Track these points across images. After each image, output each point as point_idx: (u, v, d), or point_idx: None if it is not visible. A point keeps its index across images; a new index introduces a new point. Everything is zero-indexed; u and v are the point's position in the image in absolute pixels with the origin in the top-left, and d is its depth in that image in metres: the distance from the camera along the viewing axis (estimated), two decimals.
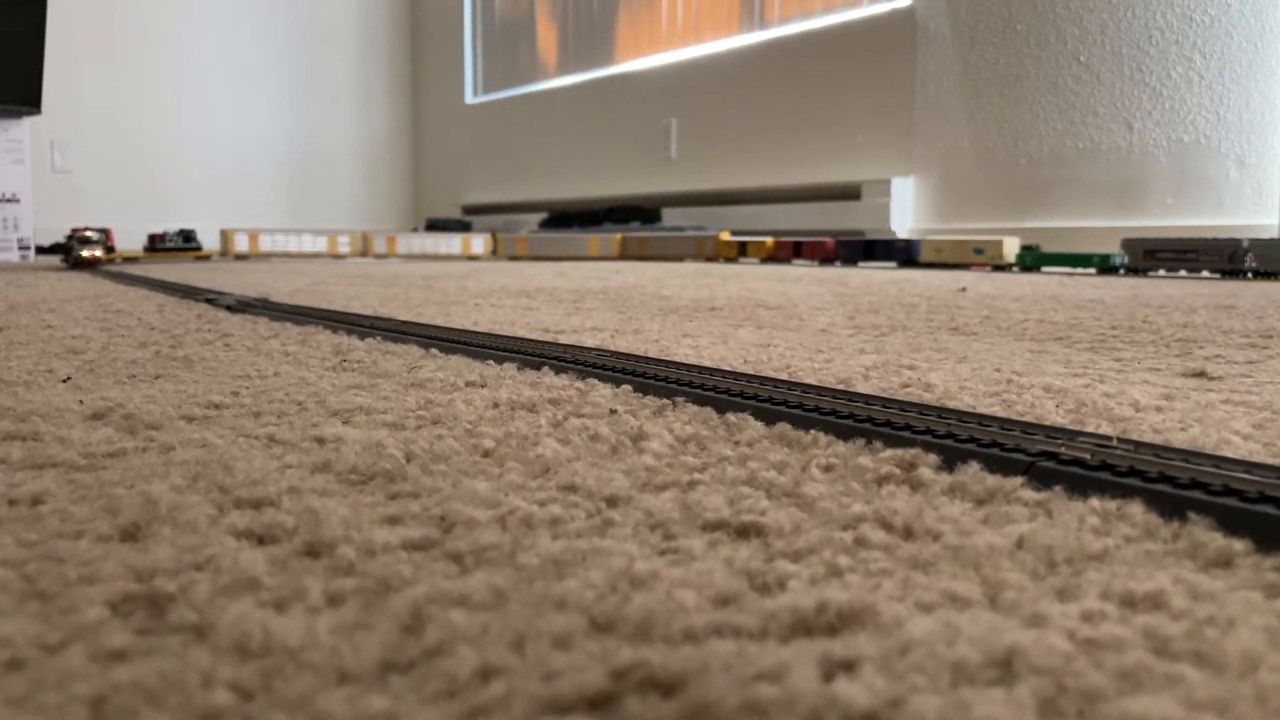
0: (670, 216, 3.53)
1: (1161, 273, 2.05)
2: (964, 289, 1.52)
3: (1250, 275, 1.93)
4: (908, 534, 0.28)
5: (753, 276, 1.96)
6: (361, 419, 0.46)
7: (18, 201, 3.04)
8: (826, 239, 2.65)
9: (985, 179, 2.72)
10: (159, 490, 0.32)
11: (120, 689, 0.19)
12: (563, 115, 4.15)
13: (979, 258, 2.28)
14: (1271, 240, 1.92)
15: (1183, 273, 2.03)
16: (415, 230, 4.49)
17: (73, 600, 0.23)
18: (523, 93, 4.38)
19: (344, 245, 3.25)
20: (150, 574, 0.25)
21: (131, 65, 4.07)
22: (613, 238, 3.22)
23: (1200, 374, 0.62)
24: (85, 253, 2.37)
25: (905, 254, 2.46)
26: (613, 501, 0.32)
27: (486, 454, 0.39)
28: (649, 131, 3.73)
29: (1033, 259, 2.24)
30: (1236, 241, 1.94)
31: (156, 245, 2.97)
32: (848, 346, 0.77)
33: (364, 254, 3.25)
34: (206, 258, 3.01)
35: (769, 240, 2.79)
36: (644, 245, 3.16)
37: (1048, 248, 2.29)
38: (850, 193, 2.97)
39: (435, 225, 4.16)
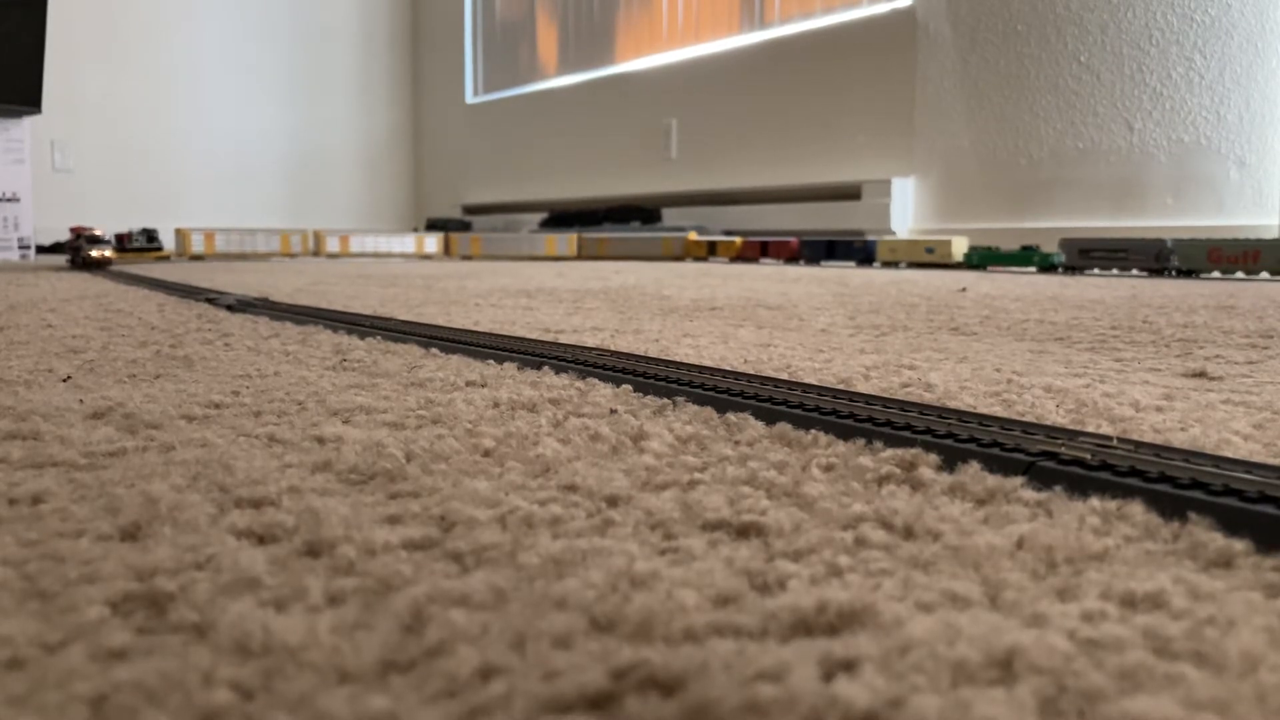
0: (670, 216, 3.53)
1: (1095, 271, 2.15)
2: (964, 289, 1.52)
3: (1174, 274, 2.02)
4: (908, 534, 0.28)
5: (752, 277, 1.96)
6: (362, 418, 0.46)
7: (18, 201, 3.04)
8: (791, 239, 2.75)
9: (985, 179, 2.72)
10: (159, 489, 0.32)
11: (121, 688, 0.19)
12: (563, 115, 4.15)
13: (930, 256, 2.39)
14: (1192, 240, 2.02)
15: (1114, 271, 2.12)
16: (416, 229, 4.50)
17: (73, 599, 0.23)
18: (523, 92, 4.38)
19: (295, 244, 3.17)
20: (151, 573, 0.25)
21: (132, 65, 4.06)
22: (570, 237, 3.22)
23: (1200, 374, 0.62)
24: (94, 252, 2.29)
25: (863, 253, 2.56)
26: (613, 501, 0.32)
27: (487, 453, 0.39)
28: (649, 131, 3.73)
29: (979, 258, 2.34)
30: (1162, 241, 2.04)
31: (125, 245, 2.90)
32: (848, 346, 0.77)
33: (316, 253, 3.18)
34: (166, 258, 2.94)
35: (738, 240, 2.88)
36: (603, 245, 3.17)
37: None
38: (851, 193, 2.97)
39: (435, 225, 4.16)
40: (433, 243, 3.34)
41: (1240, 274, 1.96)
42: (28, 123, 3.07)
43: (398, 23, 4.94)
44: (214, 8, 4.29)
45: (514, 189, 4.42)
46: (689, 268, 2.46)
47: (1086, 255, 2.15)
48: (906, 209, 2.89)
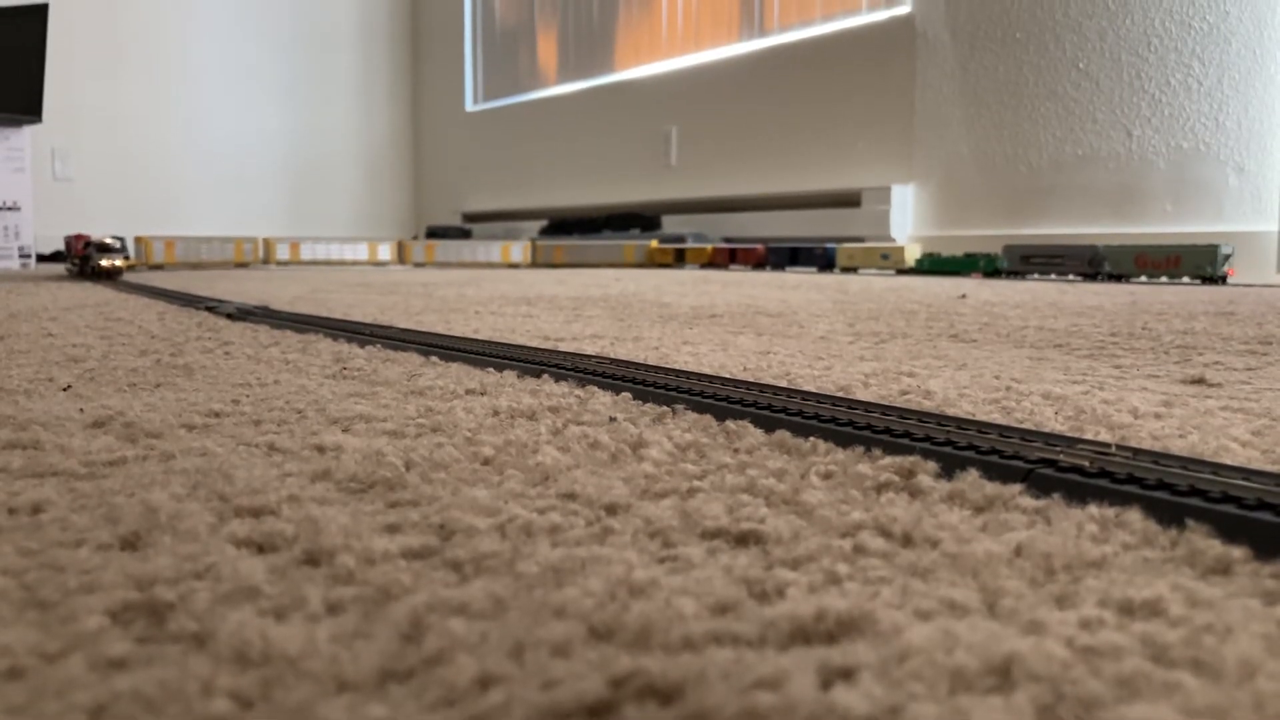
0: (670, 224, 3.53)
1: (1035, 276, 2.28)
2: (964, 296, 1.52)
3: (1104, 278, 2.15)
4: (906, 541, 0.29)
5: (752, 284, 1.96)
6: (361, 427, 0.46)
7: (19, 210, 3.04)
8: (758, 246, 2.87)
9: (985, 186, 2.72)
10: (159, 498, 0.32)
11: (120, 697, 0.19)
12: (563, 123, 4.15)
13: (885, 262, 2.54)
14: (1122, 246, 2.15)
15: (1053, 275, 2.25)
16: (416, 238, 4.50)
17: (73, 609, 0.23)
18: (523, 100, 4.38)
19: (248, 251, 3.08)
20: (150, 582, 0.25)
21: (132, 73, 4.07)
22: (524, 245, 3.25)
23: (1199, 381, 0.62)
24: (104, 261, 2.14)
25: (824, 259, 2.70)
26: (612, 509, 0.32)
27: (486, 462, 0.39)
28: (649, 139, 3.74)
29: (930, 263, 2.49)
30: (1094, 248, 2.17)
31: None
32: (847, 354, 0.77)
33: (267, 260, 3.11)
34: (133, 267, 2.81)
35: (709, 247, 2.99)
36: (558, 253, 3.18)
37: None
38: (850, 200, 2.98)
39: (435, 233, 4.16)
40: (386, 250, 3.28)
41: (1164, 278, 2.08)
42: (28, 131, 3.07)
43: (397, 31, 4.95)
44: (214, 16, 4.31)
45: (514, 196, 4.43)
46: (688, 275, 2.46)
47: (1027, 261, 2.28)
48: (906, 216, 2.89)
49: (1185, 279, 2.06)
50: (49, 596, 0.24)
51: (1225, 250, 2.01)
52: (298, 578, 0.26)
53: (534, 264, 3.19)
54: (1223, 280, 2.01)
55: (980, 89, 2.71)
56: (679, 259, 3.02)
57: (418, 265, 3.21)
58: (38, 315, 1.14)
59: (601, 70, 3.98)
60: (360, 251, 3.24)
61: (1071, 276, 2.20)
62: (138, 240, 2.93)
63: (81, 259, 2.28)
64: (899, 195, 2.88)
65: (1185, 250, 2.04)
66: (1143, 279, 2.11)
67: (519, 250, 3.21)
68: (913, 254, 2.52)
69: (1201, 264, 2.02)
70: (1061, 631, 0.22)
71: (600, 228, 3.59)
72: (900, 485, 0.34)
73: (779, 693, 0.18)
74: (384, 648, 0.21)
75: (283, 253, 3.12)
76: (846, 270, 2.64)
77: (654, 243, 3.11)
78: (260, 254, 3.10)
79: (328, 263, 3.16)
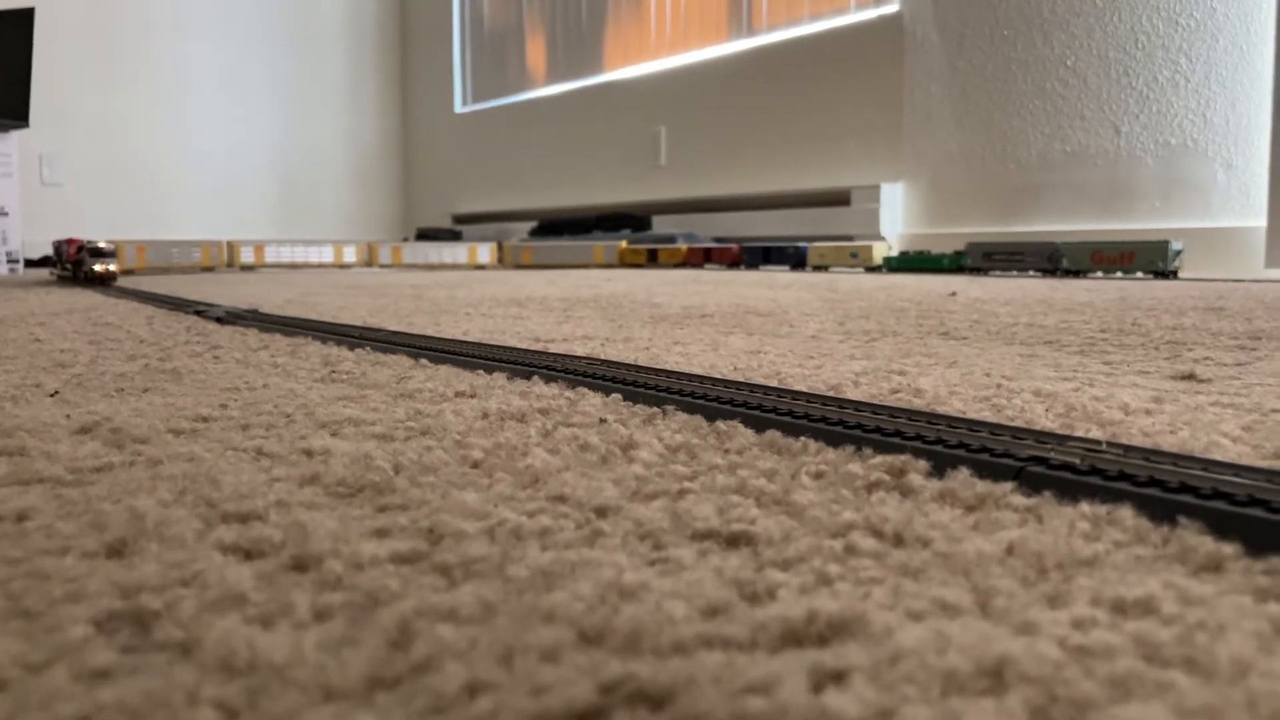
0: (660, 224, 3.53)
1: (996, 272, 2.32)
2: (954, 293, 1.52)
3: (1062, 273, 2.21)
4: (898, 541, 0.28)
5: (743, 283, 1.96)
6: (350, 431, 0.46)
7: (6, 215, 3.02)
8: (733, 245, 2.90)
9: (974, 183, 2.73)
10: (146, 505, 0.32)
11: (105, 708, 0.18)
12: (552, 124, 4.15)
13: (854, 261, 2.58)
14: (1079, 243, 2.20)
15: (1014, 272, 2.30)
16: (406, 239, 4.49)
17: (57, 618, 0.23)
18: (512, 101, 4.38)
19: (214, 255, 3.02)
20: (136, 590, 0.25)
21: (120, 77, 4.06)
22: (490, 246, 3.26)
23: (1189, 376, 0.62)
24: (98, 266, 2.09)
25: (796, 258, 2.73)
26: (602, 511, 0.32)
27: (475, 465, 0.39)
28: (638, 139, 3.74)
29: (896, 262, 2.52)
30: (1053, 244, 2.23)
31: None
32: (838, 352, 0.77)
33: (230, 264, 3.05)
34: None
35: (684, 247, 3.03)
36: (527, 254, 3.20)
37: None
38: (840, 198, 2.98)
39: (426, 235, 4.15)
40: (351, 252, 3.25)
41: (1119, 273, 2.14)
42: (15, 136, 3.06)
43: (386, 34, 4.95)
44: (203, 20, 4.29)
45: (504, 198, 4.43)
46: (679, 275, 2.46)
47: (989, 258, 2.33)
48: (896, 214, 2.90)
49: (1139, 274, 2.11)
50: (33, 606, 0.24)
51: (1176, 246, 2.06)
52: (285, 584, 0.25)
53: (501, 265, 3.18)
54: (1174, 275, 2.06)
55: (969, 87, 2.71)
56: (651, 259, 3.03)
57: (384, 266, 3.20)
58: (25, 320, 1.14)
59: (590, 71, 3.98)
60: (326, 254, 3.19)
61: (1032, 272, 2.26)
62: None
63: (74, 263, 2.24)
64: (888, 193, 2.88)
65: (1138, 246, 2.10)
66: (1099, 274, 2.17)
67: (486, 251, 3.21)
68: (881, 252, 2.57)
69: (1154, 260, 2.08)
70: (1054, 631, 0.21)
71: (591, 228, 3.59)
72: (891, 484, 0.34)
73: (770, 697, 0.18)
74: (372, 655, 0.21)
75: (247, 255, 3.07)
76: (818, 268, 2.68)
77: (623, 243, 3.12)
78: (225, 257, 3.05)
79: (292, 265, 3.12)
